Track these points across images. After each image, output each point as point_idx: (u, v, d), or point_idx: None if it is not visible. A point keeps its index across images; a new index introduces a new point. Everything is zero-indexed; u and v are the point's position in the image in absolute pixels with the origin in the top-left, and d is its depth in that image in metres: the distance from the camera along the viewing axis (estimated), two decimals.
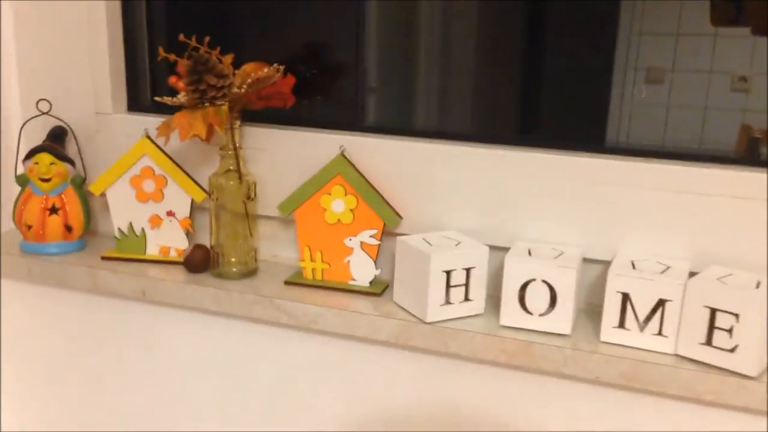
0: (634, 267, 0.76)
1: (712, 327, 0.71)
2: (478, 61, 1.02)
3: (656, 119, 0.99)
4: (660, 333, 0.74)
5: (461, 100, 1.04)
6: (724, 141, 0.94)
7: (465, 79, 1.03)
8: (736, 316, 0.69)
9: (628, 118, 1.00)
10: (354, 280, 0.90)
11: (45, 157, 0.97)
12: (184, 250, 0.97)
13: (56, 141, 1.00)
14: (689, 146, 0.95)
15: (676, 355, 0.74)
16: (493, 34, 1.01)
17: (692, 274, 0.75)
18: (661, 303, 0.73)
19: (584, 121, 0.99)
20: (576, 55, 0.98)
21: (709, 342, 0.72)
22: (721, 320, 0.70)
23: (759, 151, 0.94)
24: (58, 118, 1.01)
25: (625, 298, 0.75)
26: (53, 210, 0.98)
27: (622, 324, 0.76)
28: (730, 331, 0.70)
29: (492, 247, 0.83)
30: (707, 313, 0.71)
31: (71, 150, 1.02)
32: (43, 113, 1.00)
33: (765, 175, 0.76)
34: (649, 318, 0.74)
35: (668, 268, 0.76)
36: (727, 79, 0.95)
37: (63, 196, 0.99)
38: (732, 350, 0.70)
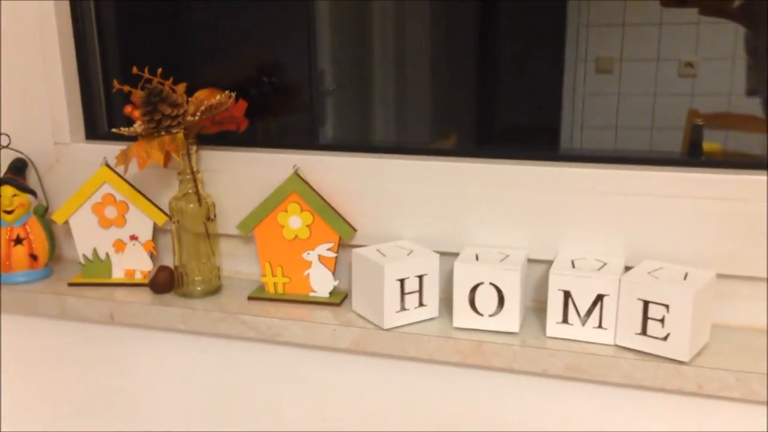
0: (573, 266, 0.82)
1: (646, 318, 0.77)
2: (431, 61, 1.04)
3: (608, 108, 1.01)
4: (600, 326, 0.79)
5: (416, 102, 1.06)
6: (674, 125, 0.97)
7: (420, 80, 1.05)
8: (667, 306, 0.75)
9: (581, 108, 1.02)
10: (314, 291, 0.93)
11: (7, 190, 0.99)
12: (149, 272, 1.00)
13: (17, 173, 1.02)
14: (641, 133, 0.98)
15: (616, 346, 0.79)
16: (445, 34, 1.04)
17: (628, 269, 0.81)
18: (599, 298, 0.79)
19: (539, 114, 1.01)
20: (527, 50, 1.00)
21: (644, 332, 0.77)
22: (654, 311, 0.76)
23: (701, 138, 0.97)
24: (17, 151, 1.03)
25: (567, 295, 0.80)
26: (18, 240, 1.01)
27: (565, 319, 0.81)
28: (662, 320, 0.76)
29: (443, 253, 0.88)
30: (641, 305, 0.77)
31: (32, 180, 1.04)
32: (3, 147, 1.02)
33: (690, 174, 0.82)
34: (589, 312, 0.80)
35: (605, 264, 0.82)
36: (674, 66, 0.98)
37: (27, 226, 1.01)
38: (665, 338, 0.76)
